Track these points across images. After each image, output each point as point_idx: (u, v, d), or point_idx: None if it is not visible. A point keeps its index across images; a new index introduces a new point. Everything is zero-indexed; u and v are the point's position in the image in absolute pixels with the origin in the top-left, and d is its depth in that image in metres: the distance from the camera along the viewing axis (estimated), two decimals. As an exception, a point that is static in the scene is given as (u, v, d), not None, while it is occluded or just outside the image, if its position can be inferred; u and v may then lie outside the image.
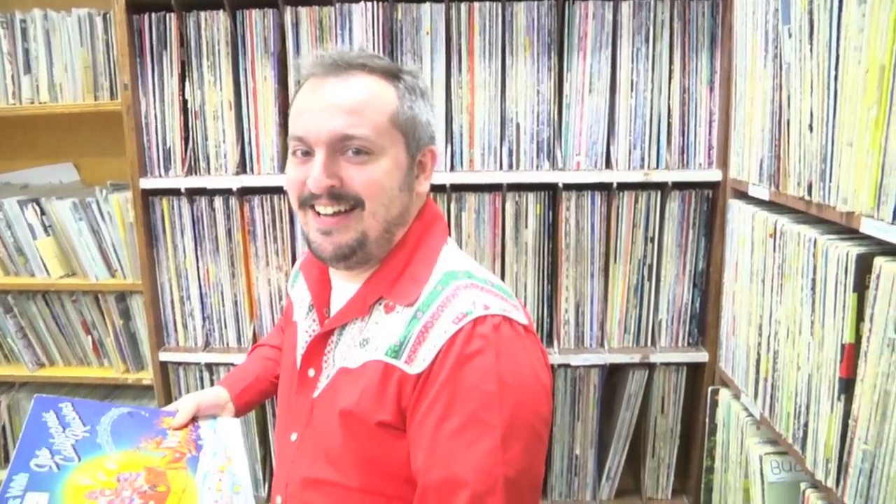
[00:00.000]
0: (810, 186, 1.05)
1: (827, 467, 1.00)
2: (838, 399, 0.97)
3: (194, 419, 1.09)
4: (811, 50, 1.02)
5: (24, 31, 1.66)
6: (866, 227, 0.90)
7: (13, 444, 1.96)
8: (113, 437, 1.01)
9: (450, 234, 1.01)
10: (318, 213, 0.89)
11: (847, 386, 0.95)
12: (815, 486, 1.05)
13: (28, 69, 1.69)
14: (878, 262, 0.87)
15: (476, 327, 0.83)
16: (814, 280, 1.03)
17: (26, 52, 1.68)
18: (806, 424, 1.08)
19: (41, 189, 1.92)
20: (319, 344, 0.97)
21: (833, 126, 0.97)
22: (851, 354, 0.94)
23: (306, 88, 0.91)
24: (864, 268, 0.90)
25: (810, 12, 1.01)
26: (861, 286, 0.91)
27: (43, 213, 1.75)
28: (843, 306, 0.95)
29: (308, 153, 0.88)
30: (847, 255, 0.93)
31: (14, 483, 0.88)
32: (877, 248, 0.90)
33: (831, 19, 0.95)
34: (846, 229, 0.97)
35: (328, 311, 0.99)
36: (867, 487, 0.89)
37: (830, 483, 0.99)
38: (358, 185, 0.87)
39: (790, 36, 1.09)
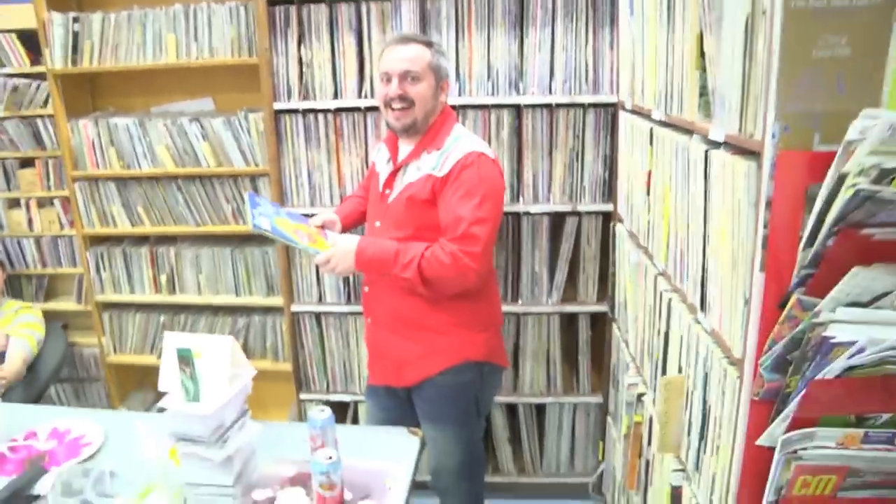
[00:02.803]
0: (642, 100, 2.08)
1: (644, 236, 2.06)
2: (646, 200, 2.01)
3: (322, 227, 2.14)
4: (639, 28, 2.04)
5: (195, 16, 2.68)
6: (653, 115, 1.93)
7: (179, 284, 3.03)
8: (287, 216, 2.06)
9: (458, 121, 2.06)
10: (393, 109, 1.94)
11: (648, 191, 1.99)
12: (648, 256, 2.09)
13: (195, 38, 2.71)
14: (656, 130, 1.90)
15: (469, 155, 1.89)
16: (642, 146, 2.06)
17: (195, 28, 2.70)
18: (639, 222, 2.13)
19: (192, 114, 2.94)
20: (392, 176, 2.03)
21: (643, 67, 2.00)
22: (650, 176, 1.98)
23: (387, 50, 1.96)
24: (651, 133, 1.94)
25: (640, 9, 2.03)
26: (651, 143, 1.95)
27: (202, 127, 2.79)
28: (647, 152, 1.98)
29: (389, 80, 1.93)
30: (646, 128, 1.96)
31: (253, 212, 1.94)
32: (658, 124, 1.93)
33: (642, 12, 1.97)
34: (651, 119, 2.00)
35: (398, 159, 2.05)
36: (647, 234, 1.95)
37: (645, 243, 2.04)
38: (413, 93, 1.93)
39: (632, 16, 2.11)
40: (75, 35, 2.73)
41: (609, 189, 2.59)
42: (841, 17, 1.05)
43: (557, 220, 2.66)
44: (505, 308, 2.59)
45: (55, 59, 2.76)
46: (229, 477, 1.64)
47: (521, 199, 2.60)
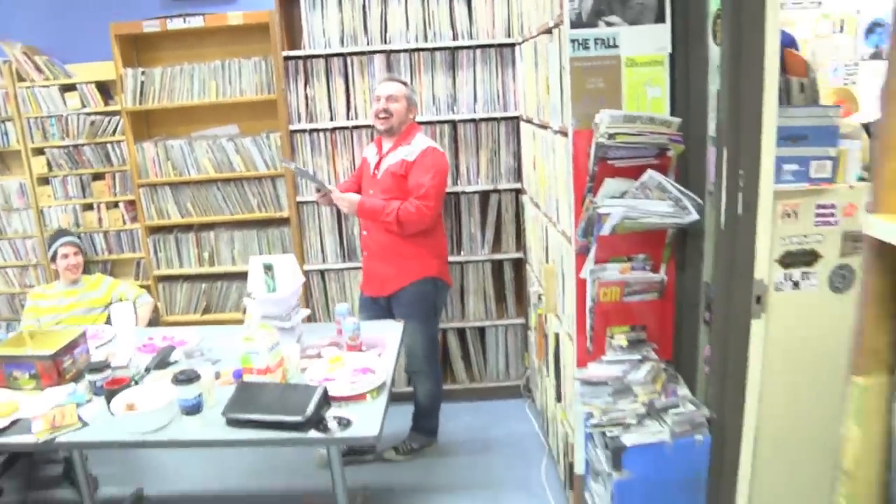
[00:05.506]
0: (532, 112, 3.36)
1: (535, 196, 3.33)
2: (535, 174, 3.29)
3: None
4: (524, 70, 3.34)
5: (230, 67, 3.88)
6: (534, 121, 3.21)
7: (217, 258, 4.18)
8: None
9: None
10: (380, 118, 3.20)
11: (534, 167, 3.27)
12: (537, 207, 3.37)
13: (230, 83, 3.91)
14: (535, 130, 3.18)
15: (427, 148, 3.18)
16: (530, 141, 3.35)
17: (229, 77, 3.90)
18: (533, 189, 3.41)
19: (225, 136, 4.11)
20: (379, 162, 3.28)
21: (527, 93, 3.29)
22: (534, 159, 3.25)
23: (380, 83, 3.24)
24: (533, 133, 3.22)
25: (527, 54, 3.33)
26: (533, 138, 3.23)
27: (235, 144, 3.97)
28: (532, 144, 3.26)
29: (379, 100, 3.20)
30: (531, 130, 3.25)
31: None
32: (536, 126, 3.20)
33: (527, 56, 3.27)
34: (533, 124, 3.28)
35: (382, 151, 3.30)
36: (537, 194, 3.24)
37: (537, 201, 3.32)
38: (392, 109, 3.20)
39: (522, 61, 3.41)
40: (142, 83, 3.90)
41: (518, 173, 3.87)
42: (598, 70, 2.34)
43: (484, 196, 3.93)
44: (451, 259, 3.85)
45: (127, 100, 3.91)
46: (293, 338, 2.83)
47: (458, 182, 3.87)
